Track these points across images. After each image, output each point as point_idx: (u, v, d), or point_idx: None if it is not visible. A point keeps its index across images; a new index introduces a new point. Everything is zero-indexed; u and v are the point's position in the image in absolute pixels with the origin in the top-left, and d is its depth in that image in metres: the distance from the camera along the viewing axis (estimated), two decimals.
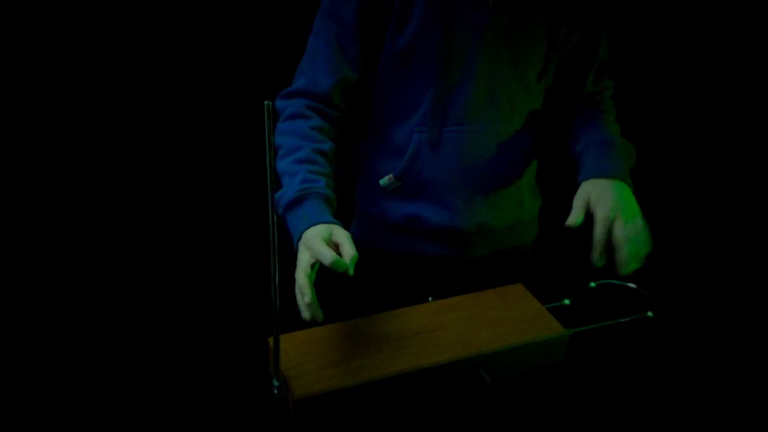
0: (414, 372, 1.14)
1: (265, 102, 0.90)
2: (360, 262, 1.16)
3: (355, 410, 1.12)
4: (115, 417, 1.45)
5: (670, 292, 1.48)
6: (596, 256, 1.27)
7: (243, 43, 2.14)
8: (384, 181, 1.49)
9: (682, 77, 2.41)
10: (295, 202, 1.24)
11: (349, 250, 1.14)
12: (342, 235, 1.17)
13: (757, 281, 1.81)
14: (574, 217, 1.28)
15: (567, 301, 1.40)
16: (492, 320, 1.28)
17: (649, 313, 1.36)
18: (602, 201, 1.29)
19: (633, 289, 1.42)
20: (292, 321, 1.19)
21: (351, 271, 1.13)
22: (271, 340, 1.12)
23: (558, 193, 1.42)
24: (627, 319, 1.35)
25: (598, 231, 1.27)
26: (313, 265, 1.15)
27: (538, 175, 1.64)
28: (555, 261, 1.80)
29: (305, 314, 1.14)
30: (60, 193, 2.18)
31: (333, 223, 1.21)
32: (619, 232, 1.26)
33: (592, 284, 1.43)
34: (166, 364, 1.59)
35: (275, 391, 1.10)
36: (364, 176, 1.56)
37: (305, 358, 1.16)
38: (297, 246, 1.20)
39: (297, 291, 1.14)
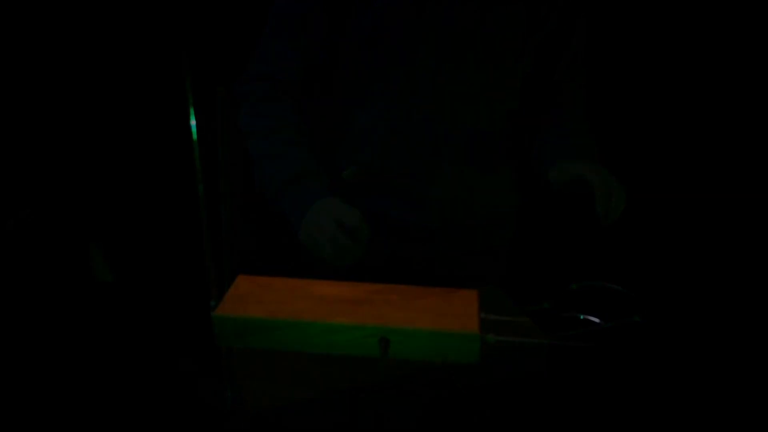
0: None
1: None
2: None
3: (311, 424, 1.11)
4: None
5: (659, 295, 1.46)
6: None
7: (194, 27, 2.12)
8: (347, 173, 1.45)
9: (666, 75, 2.42)
10: (300, 176, 1.30)
11: (364, 228, 1.21)
12: (357, 211, 1.23)
13: (749, 284, 1.81)
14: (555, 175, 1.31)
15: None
16: (418, 308, 1.25)
17: (637, 318, 1.34)
18: (593, 170, 1.28)
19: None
20: None
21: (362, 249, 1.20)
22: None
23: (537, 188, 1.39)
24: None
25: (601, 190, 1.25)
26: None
27: (516, 169, 1.60)
28: (534, 261, 1.80)
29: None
30: None
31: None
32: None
33: (574, 286, 1.41)
34: (109, 374, 1.52)
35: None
36: (324, 167, 1.49)
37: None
38: (309, 214, 1.25)
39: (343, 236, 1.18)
